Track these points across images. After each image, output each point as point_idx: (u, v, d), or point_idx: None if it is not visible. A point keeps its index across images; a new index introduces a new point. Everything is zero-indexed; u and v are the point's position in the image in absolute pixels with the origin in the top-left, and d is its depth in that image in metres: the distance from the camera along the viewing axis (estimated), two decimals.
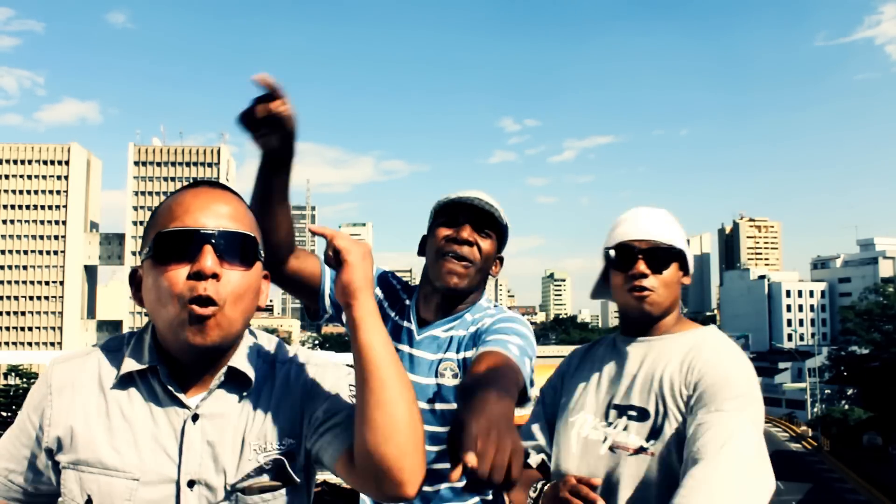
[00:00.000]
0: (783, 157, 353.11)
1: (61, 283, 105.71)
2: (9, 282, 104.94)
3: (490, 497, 1.67)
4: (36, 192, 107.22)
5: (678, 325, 1.59)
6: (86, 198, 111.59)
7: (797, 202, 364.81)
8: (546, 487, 1.48)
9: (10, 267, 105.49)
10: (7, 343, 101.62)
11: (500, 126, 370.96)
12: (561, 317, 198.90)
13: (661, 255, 1.54)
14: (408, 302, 1.76)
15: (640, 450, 1.44)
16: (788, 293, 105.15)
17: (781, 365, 77.31)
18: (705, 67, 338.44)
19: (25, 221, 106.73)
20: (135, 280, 1.14)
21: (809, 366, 65.49)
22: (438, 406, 1.61)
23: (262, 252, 1.14)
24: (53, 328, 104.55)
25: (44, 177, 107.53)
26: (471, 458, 0.96)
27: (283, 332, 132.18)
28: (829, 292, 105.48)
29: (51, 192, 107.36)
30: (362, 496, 1.71)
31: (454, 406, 1.58)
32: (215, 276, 1.04)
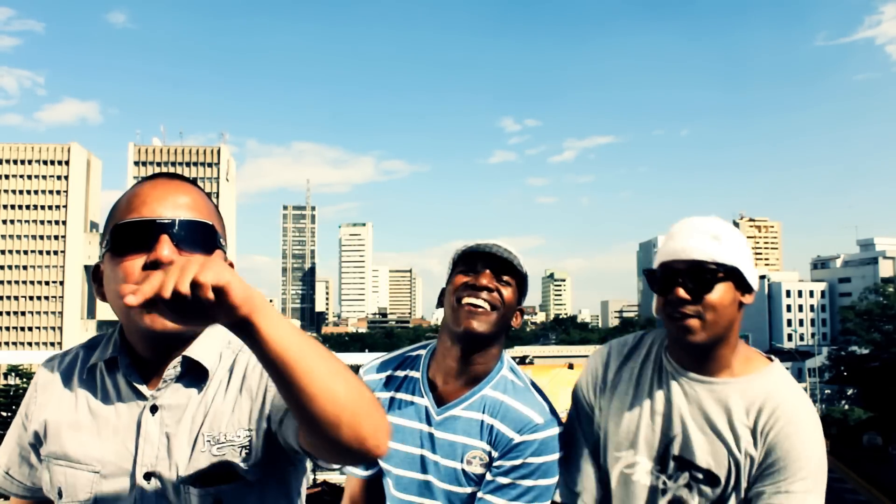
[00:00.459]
0: (783, 157, 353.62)
1: (61, 283, 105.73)
2: (9, 282, 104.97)
3: None
4: (36, 192, 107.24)
5: (742, 365, 1.44)
6: (86, 198, 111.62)
7: (797, 202, 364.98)
8: None
9: (10, 267, 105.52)
10: (7, 343, 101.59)
11: (501, 126, 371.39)
12: (561, 317, 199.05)
13: (706, 277, 1.37)
14: (413, 374, 1.66)
15: None
16: (788, 293, 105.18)
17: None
18: (705, 67, 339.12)
19: (25, 221, 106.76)
20: (98, 275, 1.13)
21: (809, 366, 65.60)
22: (468, 489, 1.56)
23: (222, 241, 1.12)
24: (53, 328, 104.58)
25: (44, 177, 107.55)
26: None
27: None
28: (829, 292, 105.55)
29: (51, 192, 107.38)
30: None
31: (477, 490, 1.55)
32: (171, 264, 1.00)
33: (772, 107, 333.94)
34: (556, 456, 1.53)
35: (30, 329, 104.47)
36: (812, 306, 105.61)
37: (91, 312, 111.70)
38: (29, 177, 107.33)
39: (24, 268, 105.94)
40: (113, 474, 1.08)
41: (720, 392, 1.41)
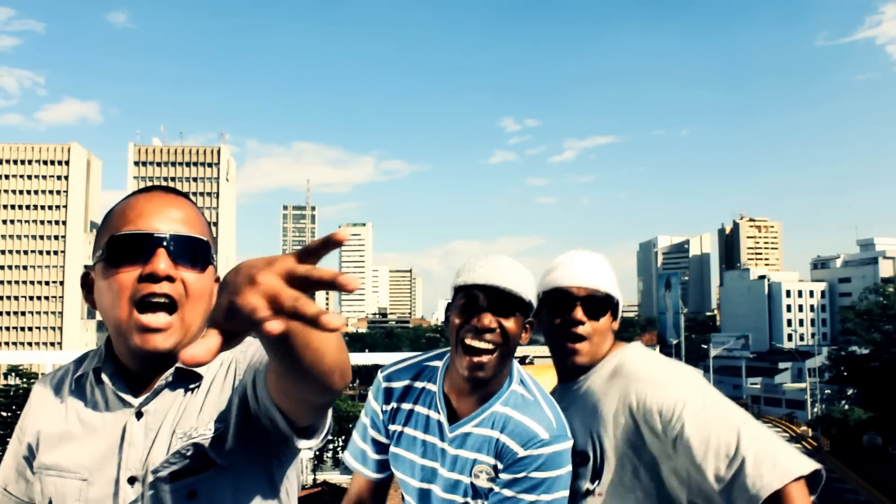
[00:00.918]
0: (783, 157, 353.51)
1: (61, 283, 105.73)
2: (9, 282, 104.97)
3: None
4: (36, 192, 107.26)
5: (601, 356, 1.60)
6: (86, 198, 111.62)
7: (797, 202, 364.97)
8: None
9: (10, 267, 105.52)
10: (7, 343, 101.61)
11: (501, 126, 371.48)
12: None
13: (598, 303, 1.56)
14: (430, 386, 1.67)
15: (588, 493, 1.50)
16: (788, 293, 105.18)
17: (781, 365, 77.35)
18: (705, 67, 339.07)
19: (25, 221, 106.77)
20: (87, 282, 1.15)
21: (809, 366, 65.55)
22: (476, 503, 1.60)
23: (214, 256, 1.15)
24: (53, 328, 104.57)
25: (44, 177, 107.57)
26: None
27: None
28: (829, 292, 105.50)
29: (51, 192, 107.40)
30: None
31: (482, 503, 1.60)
32: (169, 279, 1.05)
33: (772, 107, 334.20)
34: (562, 471, 1.52)
35: (30, 329, 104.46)
36: (812, 306, 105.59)
37: (91, 312, 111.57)
38: (29, 177, 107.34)
39: (24, 268, 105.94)
40: (98, 481, 1.10)
41: (584, 383, 1.59)
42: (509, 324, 1.51)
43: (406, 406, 1.68)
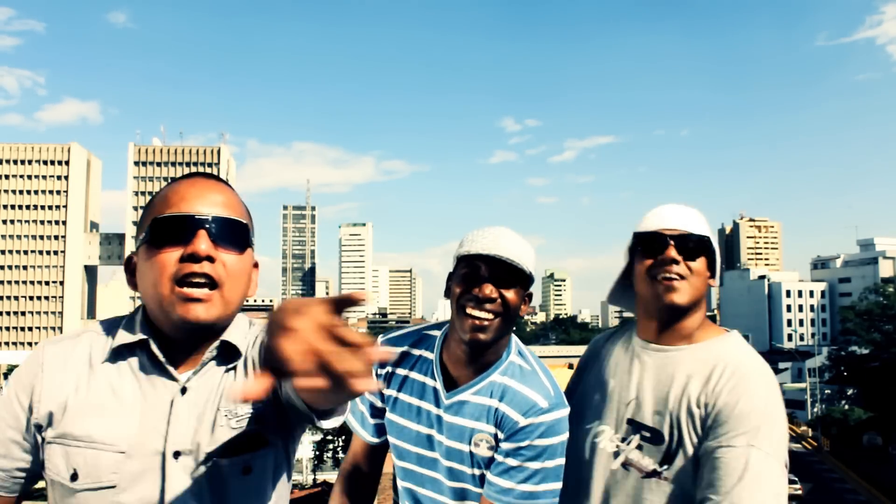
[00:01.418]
0: (783, 157, 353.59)
1: (61, 283, 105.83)
2: (9, 282, 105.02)
3: None
4: (36, 192, 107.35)
5: (699, 332, 1.52)
6: (86, 198, 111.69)
7: (797, 202, 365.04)
8: None
9: (10, 267, 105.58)
10: (7, 343, 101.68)
11: (501, 126, 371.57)
12: (561, 317, 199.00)
13: (693, 245, 1.50)
14: (427, 354, 1.69)
15: (654, 473, 1.44)
16: (788, 293, 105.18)
17: (781, 365, 77.29)
18: (705, 67, 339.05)
19: (25, 221, 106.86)
20: (130, 266, 1.19)
21: (809, 366, 65.57)
22: (474, 470, 1.60)
23: (252, 239, 1.20)
24: (53, 328, 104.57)
25: (44, 177, 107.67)
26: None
27: None
28: (829, 292, 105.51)
29: (51, 192, 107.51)
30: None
31: (481, 472, 1.59)
32: (210, 259, 1.09)
33: (772, 107, 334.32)
34: (563, 437, 1.55)
35: (30, 329, 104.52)
36: (812, 306, 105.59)
37: (91, 312, 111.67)
38: (29, 177, 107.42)
39: (24, 268, 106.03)
40: (139, 454, 1.10)
41: (675, 357, 1.50)
42: (510, 294, 1.53)
43: (401, 371, 1.69)
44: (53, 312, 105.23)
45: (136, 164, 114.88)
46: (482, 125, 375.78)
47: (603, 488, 1.53)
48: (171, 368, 1.14)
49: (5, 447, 1.16)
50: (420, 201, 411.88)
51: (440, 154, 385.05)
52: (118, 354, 1.16)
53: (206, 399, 1.15)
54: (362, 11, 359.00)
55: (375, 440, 1.76)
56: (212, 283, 1.10)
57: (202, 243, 1.08)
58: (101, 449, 1.10)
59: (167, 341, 1.16)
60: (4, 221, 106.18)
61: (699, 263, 1.51)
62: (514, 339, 1.66)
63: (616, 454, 1.52)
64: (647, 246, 1.53)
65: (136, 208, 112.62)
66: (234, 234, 1.13)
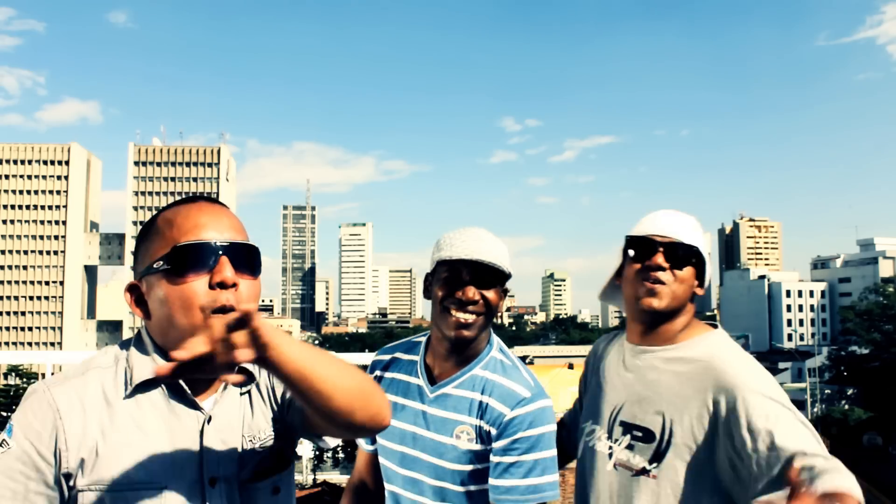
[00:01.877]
0: (783, 157, 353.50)
1: (61, 283, 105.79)
2: (9, 282, 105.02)
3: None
4: (36, 192, 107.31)
5: (682, 334, 1.56)
6: (86, 198, 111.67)
7: (797, 202, 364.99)
8: None
9: (10, 267, 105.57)
10: (7, 343, 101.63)
11: (501, 126, 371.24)
12: (561, 317, 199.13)
13: (681, 253, 1.54)
14: (413, 357, 1.76)
15: (643, 471, 1.47)
16: (788, 293, 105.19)
17: (781, 365, 77.27)
18: (706, 67, 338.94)
19: (25, 221, 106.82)
20: (135, 293, 1.17)
21: (809, 366, 65.54)
22: (455, 466, 1.63)
23: (261, 263, 1.23)
24: (53, 328, 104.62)
25: (44, 177, 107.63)
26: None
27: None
28: (829, 292, 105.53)
29: (51, 192, 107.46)
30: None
31: (469, 467, 1.62)
32: (234, 286, 1.11)
33: (772, 107, 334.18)
34: (552, 427, 1.60)
35: (30, 329, 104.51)
36: (812, 306, 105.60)
37: (91, 312, 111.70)
38: (29, 177, 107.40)
39: (24, 268, 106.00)
40: (178, 487, 1.10)
41: (659, 358, 1.54)
42: (490, 294, 1.61)
43: (388, 375, 1.76)
44: (53, 312, 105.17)
45: (136, 164, 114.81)
46: (482, 125, 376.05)
47: (600, 489, 1.56)
48: (196, 400, 1.15)
49: (29, 502, 1.08)
50: (420, 201, 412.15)
51: (440, 154, 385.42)
52: (142, 390, 1.14)
53: (229, 424, 1.17)
54: (362, 11, 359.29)
55: (372, 447, 1.82)
56: (234, 310, 1.10)
57: (227, 270, 1.09)
58: (142, 489, 1.09)
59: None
60: (4, 221, 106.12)
61: (686, 272, 1.54)
62: (496, 337, 1.73)
63: (607, 455, 1.55)
64: (637, 250, 1.57)
65: (136, 208, 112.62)
66: (251, 260, 1.15)
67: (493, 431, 1.59)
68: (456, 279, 1.60)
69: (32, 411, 1.11)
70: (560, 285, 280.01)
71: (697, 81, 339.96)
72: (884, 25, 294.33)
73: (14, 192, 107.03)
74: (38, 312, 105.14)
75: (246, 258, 1.14)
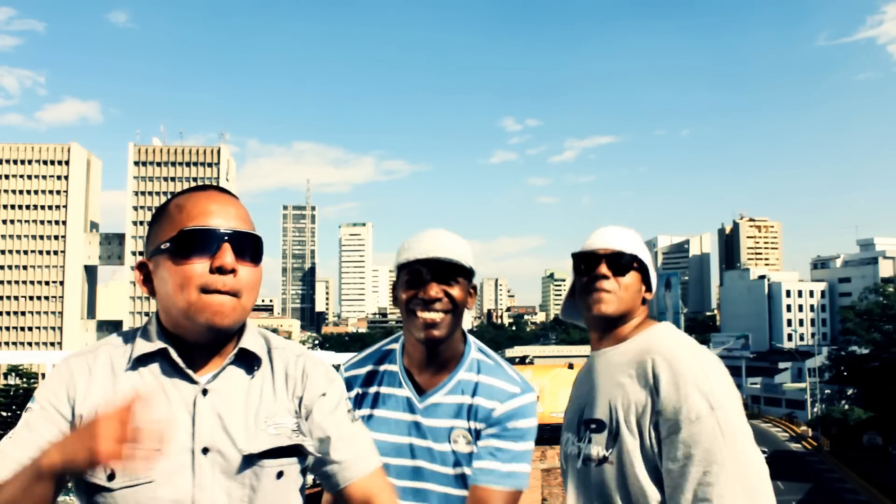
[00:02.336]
0: (783, 157, 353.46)
1: (61, 283, 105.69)
2: (9, 282, 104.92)
3: None
4: (36, 192, 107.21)
5: (633, 332, 1.65)
6: (86, 198, 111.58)
7: (797, 202, 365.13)
8: None
9: (10, 267, 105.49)
10: (7, 343, 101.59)
11: (502, 126, 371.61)
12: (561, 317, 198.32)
13: (623, 262, 1.64)
14: (391, 367, 1.75)
15: (603, 459, 1.52)
16: (788, 293, 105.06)
17: (781, 365, 77.33)
18: (706, 67, 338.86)
19: (25, 221, 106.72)
20: (144, 269, 1.27)
21: (809, 366, 65.52)
22: (457, 471, 1.64)
23: (262, 251, 1.31)
24: (53, 328, 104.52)
25: (44, 177, 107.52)
26: None
27: (283, 332, 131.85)
28: (829, 292, 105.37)
29: (51, 192, 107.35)
30: None
31: (463, 471, 1.64)
32: (232, 271, 1.19)
33: (772, 107, 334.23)
34: (535, 421, 1.66)
35: (30, 329, 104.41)
36: (812, 306, 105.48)
37: (91, 312, 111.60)
38: (29, 177, 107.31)
39: (24, 268, 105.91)
40: (171, 452, 1.16)
41: (611, 355, 1.63)
42: (455, 291, 1.61)
43: (372, 389, 1.74)
44: (53, 312, 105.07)
45: (136, 164, 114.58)
46: (482, 125, 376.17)
47: (572, 487, 1.62)
48: (190, 372, 1.23)
49: (40, 451, 1.17)
50: (420, 201, 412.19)
51: (440, 154, 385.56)
52: (138, 362, 1.24)
53: (230, 401, 1.24)
54: (362, 11, 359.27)
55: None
56: (233, 293, 1.19)
57: (227, 256, 1.18)
58: (138, 448, 1.15)
59: (184, 348, 1.24)
60: (4, 221, 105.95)
61: (629, 278, 1.65)
62: (472, 337, 1.75)
63: (575, 455, 1.61)
64: (584, 264, 1.68)
65: (136, 208, 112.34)
66: (252, 248, 1.23)
67: (483, 426, 1.63)
68: (417, 279, 1.61)
69: (52, 378, 1.26)
70: (560, 285, 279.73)
71: (697, 81, 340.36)
72: (884, 25, 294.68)
73: (14, 192, 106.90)
74: (38, 312, 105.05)
75: (248, 246, 1.22)
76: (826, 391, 61.66)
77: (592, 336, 1.72)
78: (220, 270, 1.18)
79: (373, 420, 1.69)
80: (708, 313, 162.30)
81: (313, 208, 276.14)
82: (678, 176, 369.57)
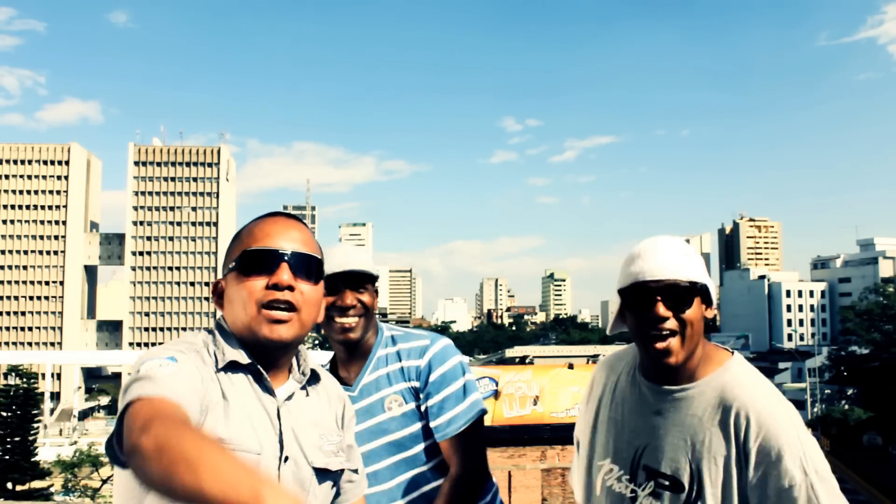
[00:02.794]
0: (783, 157, 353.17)
1: (61, 283, 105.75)
2: (9, 282, 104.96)
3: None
4: (36, 192, 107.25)
5: (703, 368, 1.46)
6: (86, 198, 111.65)
7: (797, 202, 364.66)
8: None
9: (10, 267, 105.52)
10: (7, 343, 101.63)
11: (502, 126, 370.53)
12: (561, 317, 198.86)
13: (682, 294, 1.40)
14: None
15: None
16: (788, 293, 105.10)
17: (781, 365, 77.28)
18: (706, 67, 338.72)
19: (25, 221, 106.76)
20: (217, 289, 1.39)
21: (809, 366, 65.49)
22: (403, 433, 1.86)
23: (324, 271, 1.42)
24: (53, 328, 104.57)
25: (44, 177, 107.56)
26: None
27: None
28: (829, 292, 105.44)
29: (51, 192, 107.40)
30: None
31: (416, 427, 1.86)
32: (290, 288, 1.29)
33: (772, 107, 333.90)
34: (460, 357, 1.90)
35: (30, 329, 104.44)
36: (812, 306, 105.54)
37: (91, 312, 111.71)
38: (29, 177, 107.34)
39: (24, 268, 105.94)
40: (267, 458, 1.27)
41: (683, 399, 1.45)
42: (365, 297, 1.86)
43: None
44: (53, 312, 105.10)
45: (136, 164, 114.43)
46: (482, 125, 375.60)
47: None
48: (272, 387, 1.33)
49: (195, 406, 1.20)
50: (420, 201, 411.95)
51: (440, 154, 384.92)
52: (229, 369, 1.30)
53: (297, 415, 1.36)
54: (363, 11, 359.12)
55: None
56: (291, 308, 1.29)
57: (284, 274, 1.28)
58: (246, 452, 1.24)
59: (259, 361, 1.34)
60: (4, 221, 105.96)
61: (692, 311, 1.41)
62: (382, 324, 1.99)
63: (628, 498, 1.49)
64: (633, 302, 1.43)
65: (136, 208, 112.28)
66: (310, 268, 1.33)
67: (418, 384, 1.86)
68: (334, 290, 1.81)
69: (177, 347, 1.29)
70: (560, 285, 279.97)
71: (697, 81, 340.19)
72: (885, 25, 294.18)
73: (14, 192, 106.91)
74: (38, 312, 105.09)
75: (306, 266, 1.33)
76: (826, 391, 61.66)
77: (648, 363, 1.51)
78: (277, 287, 1.28)
79: None
80: None
81: (313, 208, 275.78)
82: (678, 176, 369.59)
